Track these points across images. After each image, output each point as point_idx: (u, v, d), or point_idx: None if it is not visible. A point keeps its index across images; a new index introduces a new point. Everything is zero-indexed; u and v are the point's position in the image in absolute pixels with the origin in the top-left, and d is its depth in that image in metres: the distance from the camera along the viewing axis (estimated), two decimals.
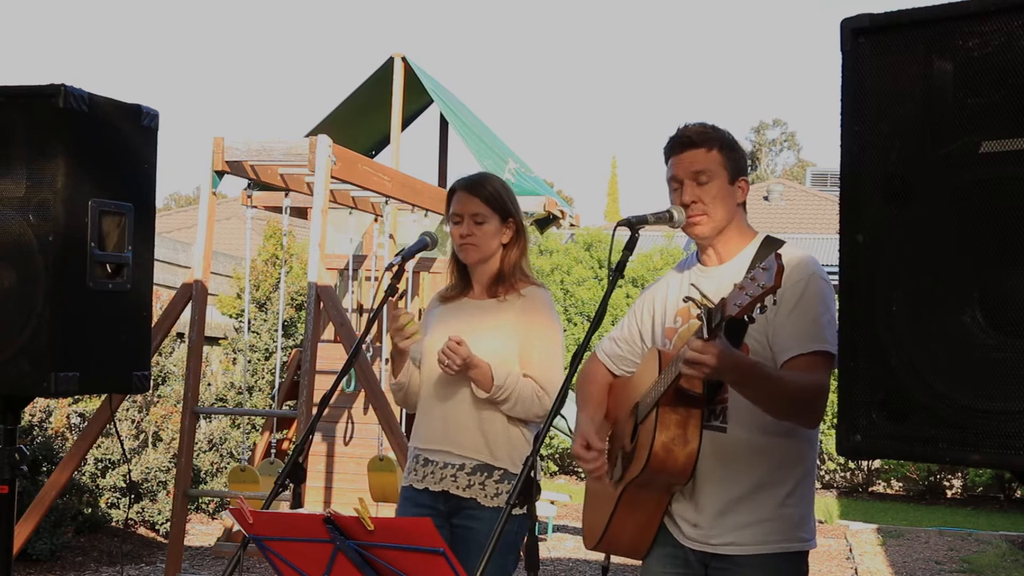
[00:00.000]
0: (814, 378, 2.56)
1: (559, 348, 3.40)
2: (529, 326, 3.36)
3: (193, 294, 6.17)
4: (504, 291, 3.40)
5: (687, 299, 2.53)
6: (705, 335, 2.35)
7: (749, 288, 2.27)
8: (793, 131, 61.31)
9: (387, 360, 7.31)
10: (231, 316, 10.55)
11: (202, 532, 8.73)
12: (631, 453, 2.73)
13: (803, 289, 2.63)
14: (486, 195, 3.38)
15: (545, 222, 9.01)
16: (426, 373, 3.45)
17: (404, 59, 8.59)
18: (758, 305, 2.27)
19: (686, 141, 2.76)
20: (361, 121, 9.12)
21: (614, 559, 2.94)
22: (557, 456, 13.55)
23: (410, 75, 8.60)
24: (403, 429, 6.23)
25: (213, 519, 9.15)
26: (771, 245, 2.77)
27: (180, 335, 8.64)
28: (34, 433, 7.61)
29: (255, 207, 6.73)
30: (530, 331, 3.35)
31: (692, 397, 2.60)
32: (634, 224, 2.66)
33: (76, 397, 7.73)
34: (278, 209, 7.26)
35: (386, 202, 7.25)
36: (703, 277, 2.80)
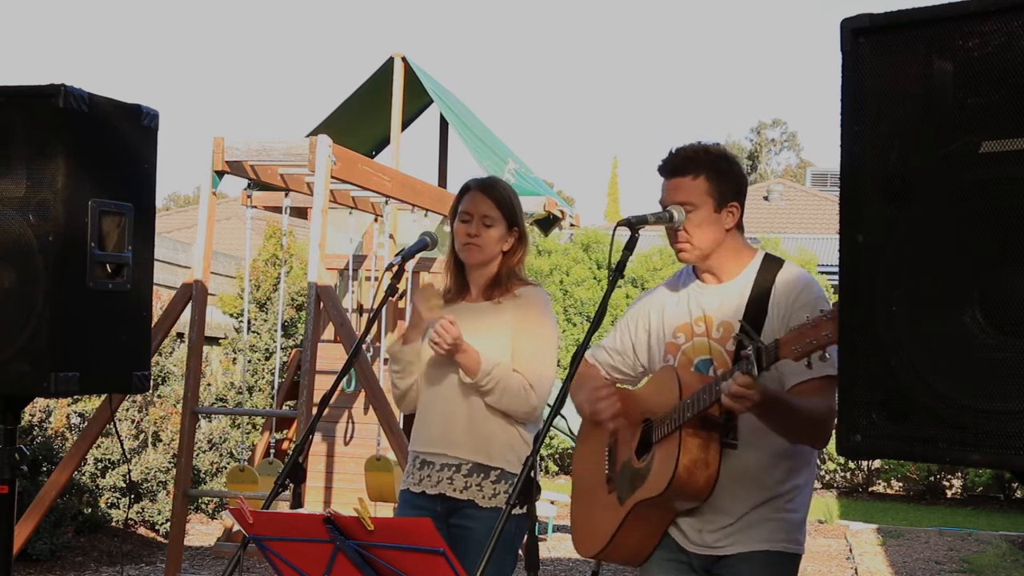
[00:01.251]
0: (827, 402, 2.61)
1: (551, 345, 3.40)
2: (522, 323, 3.36)
3: (193, 294, 6.17)
4: (499, 294, 3.41)
5: (736, 336, 2.59)
6: (756, 373, 2.43)
7: (810, 335, 2.34)
8: (793, 131, 61.36)
9: (386, 360, 7.33)
10: (232, 315, 10.55)
11: (202, 532, 8.74)
12: (644, 472, 2.74)
13: (810, 312, 2.62)
14: (499, 197, 3.40)
15: (548, 223, 9.00)
16: (425, 377, 3.45)
17: (404, 59, 8.57)
18: (817, 353, 2.35)
19: (673, 168, 2.79)
20: (361, 121, 9.10)
21: None
22: (557, 456, 13.55)
23: (410, 75, 8.59)
24: (402, 429, 6.22)
25: (213, 519, 9.15)
26: (771, 263, 2.82)
27: (180, 335, 8.64)
28: (34, 433, 7.61)
29: (255, 207, 6.73)
30: (523, 328, 3.36)
31: (712, 421, 2.66)
32: (634, 224, 2.67)
33: (76, 397, 7.73)
34: (278, 209, 7.25)
35: (386, 202, 7.25)
36: (704, 294, 2.82)
